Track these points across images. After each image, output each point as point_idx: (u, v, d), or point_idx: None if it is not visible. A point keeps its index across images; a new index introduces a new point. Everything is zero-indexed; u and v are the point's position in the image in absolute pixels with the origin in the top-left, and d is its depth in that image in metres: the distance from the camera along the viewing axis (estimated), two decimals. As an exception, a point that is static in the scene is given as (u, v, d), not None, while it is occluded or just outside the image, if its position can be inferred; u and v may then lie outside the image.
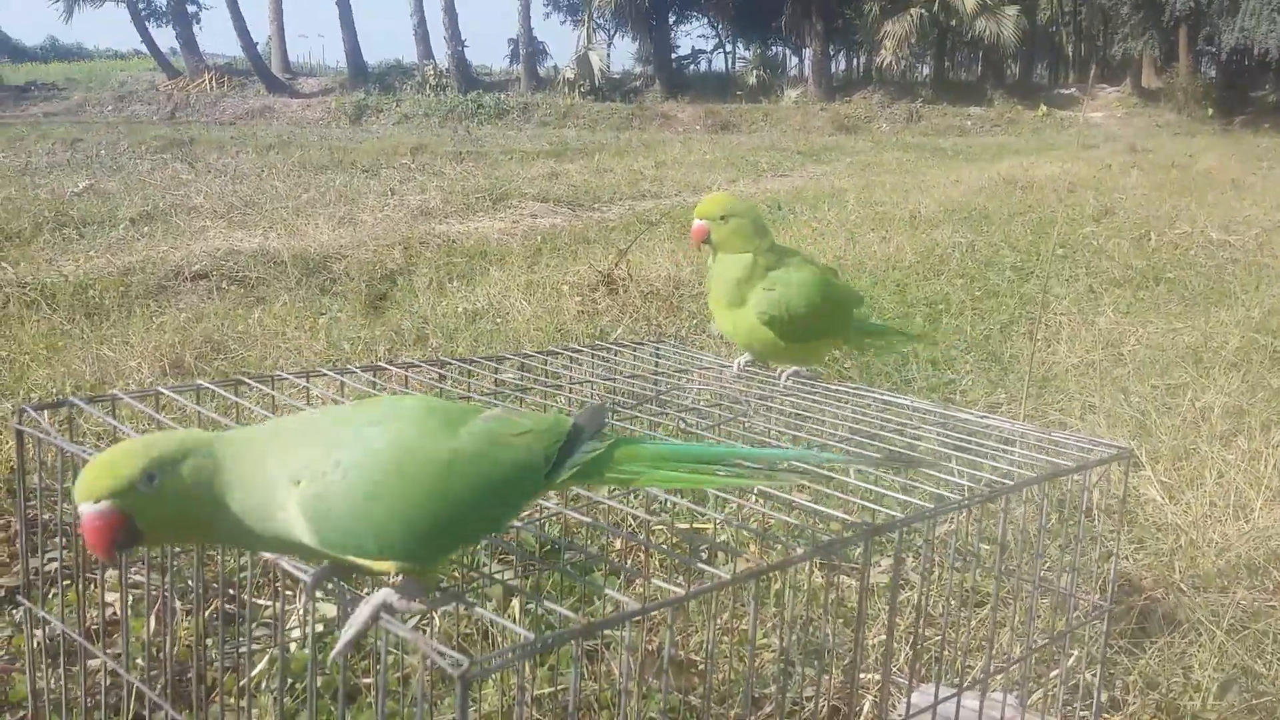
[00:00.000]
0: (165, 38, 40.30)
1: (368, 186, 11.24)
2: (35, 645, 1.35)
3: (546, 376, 1.82)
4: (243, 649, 2.01)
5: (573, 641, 0.81)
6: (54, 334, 4.64)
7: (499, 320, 5.03)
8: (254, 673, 1.92)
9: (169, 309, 5.23)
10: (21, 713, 1.85)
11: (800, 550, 1.10)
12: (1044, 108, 30.92)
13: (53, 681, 1.71)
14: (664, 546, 1.98)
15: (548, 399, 1.67)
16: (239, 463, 0.94)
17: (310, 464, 0.93)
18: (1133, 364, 4.09)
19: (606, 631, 2.06)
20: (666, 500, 2.42)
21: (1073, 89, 35.51)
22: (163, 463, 0.91)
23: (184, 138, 19.24)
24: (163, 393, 1.32)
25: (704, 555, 2.49)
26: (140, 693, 1.75)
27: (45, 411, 1.41)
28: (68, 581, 2.29)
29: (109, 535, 0.90)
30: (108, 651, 1.91)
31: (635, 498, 2.14)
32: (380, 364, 1.65)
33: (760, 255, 1.83)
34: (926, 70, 37.68)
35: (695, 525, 2.32)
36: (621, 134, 25.90)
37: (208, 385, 1.38)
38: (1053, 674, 1.67)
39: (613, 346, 2.04)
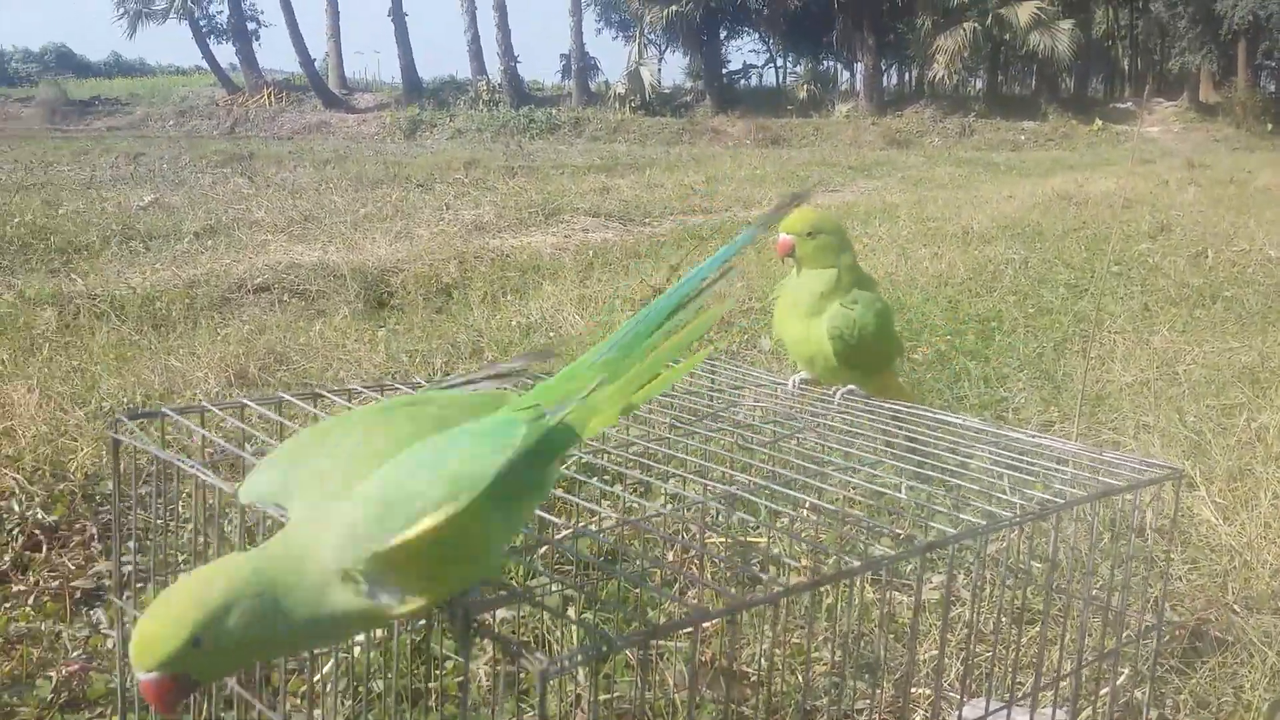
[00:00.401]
0: (225, 54, 41.18)
1: (423, 201, 11.41)
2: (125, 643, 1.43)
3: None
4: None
5: (638, 646, 0.87)
6: (123, 344, 4.79)
7: (552, 334, 5.10)
8: (321, 674, 1.99)
9: (233, 321, 5.37)
10: (99, 709, 1.94)
11: (856, 565, 1.14)
12: (1099, 122, 30.56)
13: (125, 684, 1.79)
14: (717, 558, 2.02)
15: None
16: (285, 586, 0.96)
17: (358, 549, 0.95)
18: (1188, 383, 4.06)
19: (660, 641, 2.11)
20: (718, 513, 2.46)
21: (1128, 103, 35.07)
22: (207, 623, 0.93)
23: (243, 152, 19.65)
24: (248, 404, 1.39)
25: (756, 567, 2.53)
26: (212, 692, 1.83)
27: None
28: (140, 584, 2.39)
29: (166, 698, 0.93)
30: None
31: (689, 511, 2.18)
32: (446, 378, 1.72)
33: (844, 272, 1.87)
34: (979, 84, 37.42)
35: (748, 538, 2.36)
36: (672, 149, 26.02)
37: (289, 398, 1.45)
38: (1103, 691, 1.69)
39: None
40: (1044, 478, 1.41)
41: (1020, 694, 1.44)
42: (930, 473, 1.41)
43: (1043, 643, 1.56)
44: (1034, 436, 1.62)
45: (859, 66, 36.43)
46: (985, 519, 1.25)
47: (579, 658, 0.82)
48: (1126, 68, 41.64)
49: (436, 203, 11.19)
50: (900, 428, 1.65)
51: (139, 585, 2.04)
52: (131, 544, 1.95)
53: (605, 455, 1.65)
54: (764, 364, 4.32)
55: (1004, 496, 1.31)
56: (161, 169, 16.19)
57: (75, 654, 2.07)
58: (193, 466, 1.21)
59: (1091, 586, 1.57)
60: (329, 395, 1.56)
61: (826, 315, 1.86)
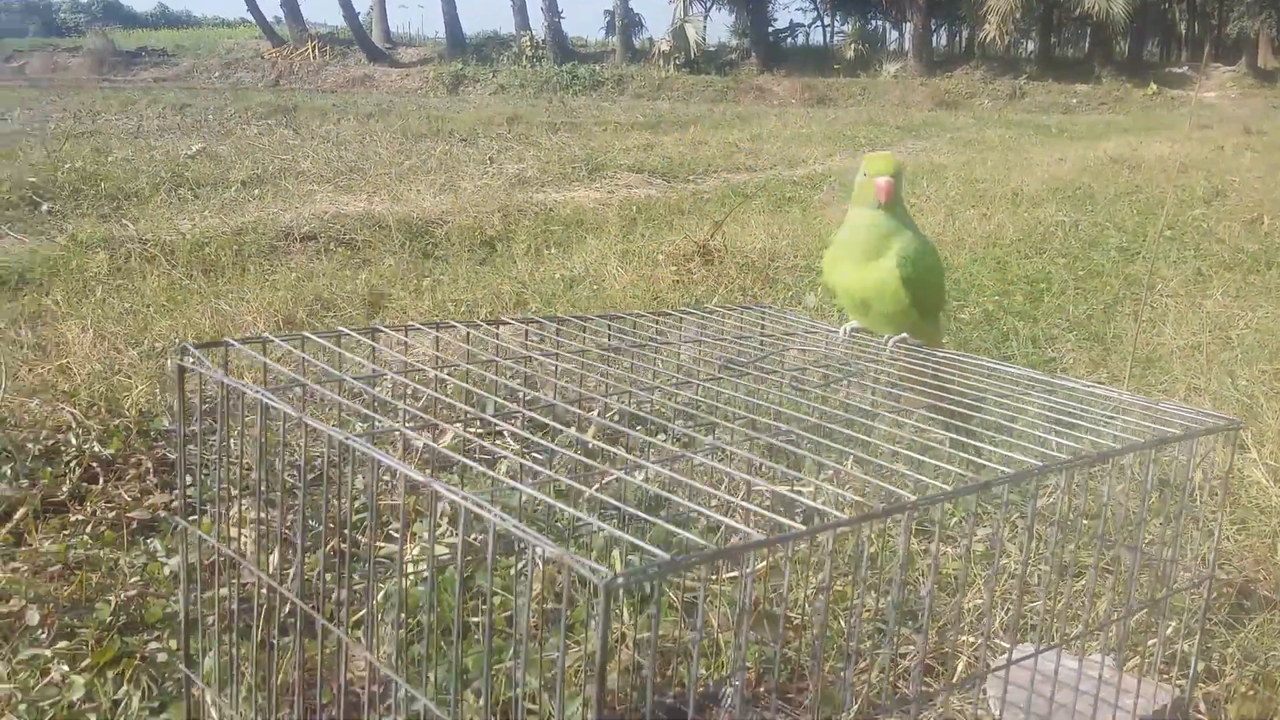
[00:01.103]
0: (270, 6, 41.29)
1: (466, 155, 11.42)
2: (189, 565, 1.46)
3: (657, 335, 1.88)
4: (359, 585, 2.12)
5: (703, 565, 0.88)
6: (173, 288, 4.85)
7: (595, 287, 5.11)
8: (374, 601, 2.02)
9: (280, 268, 5.43)
10: (156, 632, 1.99)
11: (900, 514, 1.14)
12: (1154, 86, 29.87)
13: (188, 604, 1.83)
14: (762, 506, 2.03)
15: (659, 354, 1.73)
16: None
17: None
18: (1241, 348, 4.00)
19: (698, 583, 2.13)
20: (762, 465, 2.47)
21: (1185, 68, 34.21)
22: None
23: (288, 105, 19.72)
24: (308, 337, 1.41)
25: (800, 516, 2.54)
26: (269, 614, 1.88)
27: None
28: (193, 516, 2.45)
29: None
30: (233, 581, 2.03)
31: (732, 461, 2.19)
32: (503, 318, 1.73)
33: (905, 214, 1.89)
34: (1031, 46, 36.67)
35: (794, 488, 2.37)
36: (716, 107, 25.78)
37: (348, 331, 1.47)
38: (1150, 642, 1.69)
39: (718, 310, 2.09)
40: (1099, 425, 1.40)
41: (1071, 636, 1.44)
42: (986, 416, 1.40)
43: (1091, 590, 1.56)
44: (1088, 386, 1.61)
45: (908, 26, 35.80)
46: (1040, 461, 1.24)
47: (649, 571, 0.84)
48: (1183, 32, 40.62)
49: (480, 157, 11.19)
50: (953, 375, 1.64)
51: (203, 510, 2.09)
52: (185, 476, 1.99)
53: (650, 403, 1.66)
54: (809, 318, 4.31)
55: (1059, 440, 1.30)
56: (207, 119, 16.30)
57: (133, 580, 2.12)
58: (257, 391, 1.24)
59: (1141, 539, 1.57)
60: (386, 332, 1.58)
61: (893, 252, 1.86)
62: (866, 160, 1.91)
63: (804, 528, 0.96)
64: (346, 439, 1.12)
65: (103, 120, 15.63)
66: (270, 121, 16.12)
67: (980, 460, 1.22)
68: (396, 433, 1.23)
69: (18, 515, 2.42)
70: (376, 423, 1.29)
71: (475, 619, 2.08)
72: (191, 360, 1.37)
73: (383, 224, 6.55)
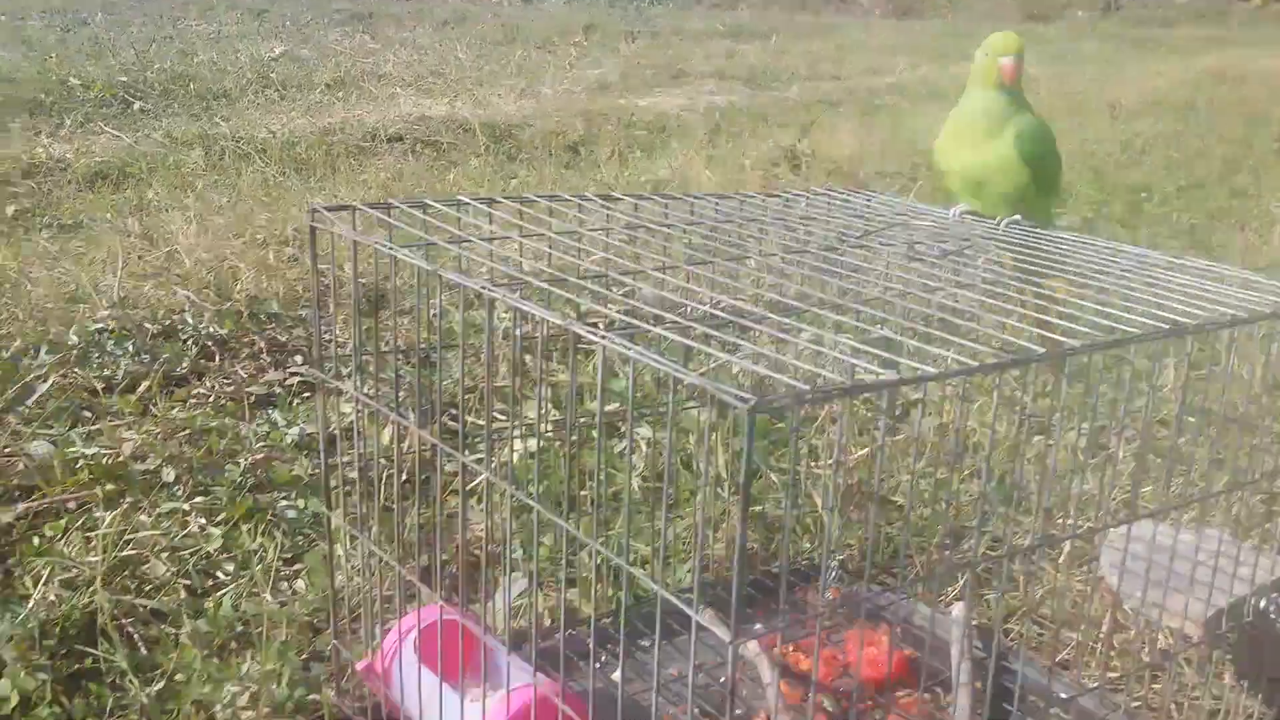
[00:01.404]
0: (347, -88, 40.91)
1: (545, 61, 11.34)
2: (325, 415, 1.53)
3: (763, 210, 1.88)
4: (471, 458, 2.19)
5: (838, 398, 0.90)
6: (268, 184, 4.95)
7: (682, 191, 5.09)
8: (485, 473, 2.10)
9: (369, 167, 5.49)
10: (283, 492, 2.08)
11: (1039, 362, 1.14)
12: (1259, -2, 28.42)
13: (326, 446, 1.91)
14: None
15: (775, 223, 1.74)
16: None
17: None
18: (1352, 257, 3.88)
19: (798, 465, 2.17)
20: (856, 368, 2.48)
21: (1294, -23, 32.45)
22: None
23: (364, 11, 19.64)
24: (430, 204, 1.45)
25: (898, 412, 2.55)
26: (389, 478, 1.96)
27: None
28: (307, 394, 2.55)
29: None
30: (348, 453, 2.12)
31: (830, 357, 2.19)
32: (613, 194, 1.75)
33: (1022, 96, 1.86)
34: (1129, -46, 35.03)
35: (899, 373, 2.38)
36: (796, 16, 25.14)
37: (467, 200, 1.50)
38: (1266, 526, 1.69)
39: (825, 192, 2.08)
40: (1228, 297, 1.38)
41: (1189, 500, 1.44)
42: (1110, 285, 1.39)
43: (1207, 471, 1.56)
44: (1213, 266, 1.59)
45: (999, -68, 34.39)
46: (1170, 325, 1.24)
47: (789, 400, 0.86)
48: (1295, -62, 38.43)
49: (559, 63, 11.10)
50: (1073, 251, 1.63)
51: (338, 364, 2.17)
52: (320, 331, 2.06)
53: (755, 287, 1.67)
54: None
55: (1192, 310, 1.29)
56: (285, 25, 16.35)
57: (258, 445, 2.22)
58: (389, 248, 1.28)
59: (1261, 417, 1.55)
60: (503, 201, 1.61)
61: (1012, 130, 1.83)
62: (990, 40, 1.87)
63: (936, 371, 0.97)
64: (483, 289, 1.15)
65: (183, 25, 15.75)
66: (347, 27, 16.13)
67: (1111, 322, 1.22)
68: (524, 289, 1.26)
69: (142, 388, 2.53)
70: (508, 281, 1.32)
71: (583, 492, 2.14)
72: (322, 219, 1.42)
73: (466, 127, 6.58)
